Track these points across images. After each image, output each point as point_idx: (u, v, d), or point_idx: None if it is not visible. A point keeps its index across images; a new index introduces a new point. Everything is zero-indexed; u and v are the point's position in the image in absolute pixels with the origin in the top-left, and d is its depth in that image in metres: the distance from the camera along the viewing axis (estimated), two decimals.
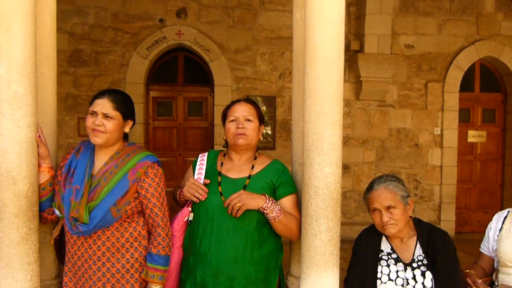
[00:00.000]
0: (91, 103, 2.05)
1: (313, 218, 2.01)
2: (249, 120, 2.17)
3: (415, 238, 2.18)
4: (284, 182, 2.16)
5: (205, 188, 2.10)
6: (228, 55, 6.56)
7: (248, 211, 2.02)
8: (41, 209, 2.06)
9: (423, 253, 2.13)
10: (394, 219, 2.10)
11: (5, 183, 1.90)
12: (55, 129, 2.25)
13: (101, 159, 2.08)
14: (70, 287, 2.08)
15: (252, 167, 2.19)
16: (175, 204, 2.37)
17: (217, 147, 6.20)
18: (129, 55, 6.39)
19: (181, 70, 6.80)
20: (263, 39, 6.64)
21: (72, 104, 6.34)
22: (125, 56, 6.39)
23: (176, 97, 6.74)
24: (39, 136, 2.02)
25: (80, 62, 6.31)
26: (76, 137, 6.31)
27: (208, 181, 2.16)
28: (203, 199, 2.08)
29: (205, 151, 2.36)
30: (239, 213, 2.00)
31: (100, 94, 2.06)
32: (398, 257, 2.15)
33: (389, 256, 2.17)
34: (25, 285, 1.95)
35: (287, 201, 2.14)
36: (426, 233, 2.17)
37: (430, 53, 6.94)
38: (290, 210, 2.13)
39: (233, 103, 2.27)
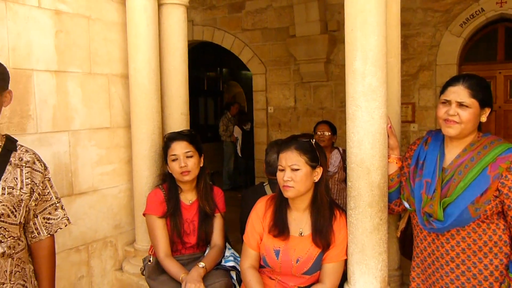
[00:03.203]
0: (442, 91, 1.89)
1: None
2: None
3: None
4: None
5: None
6: None
7: None
8: (388, 200, 2.05)
9: None
10: None
11: (360, 173, 1.96)
12: (399, 119, 2.21)
13: (452, 152, 1.90)
14: (417, 283, 2.01)
15: None
16: None
17: None
18: (440, 35, 5.98)
19: (501, 45, 5.93)
20: None
21: None
22: (435, 36, 6.01)
23: (495, 76, 5.93)
24: (390, 127, 2.00)
25: None
26: None
27: None
28: None
29: None
30: None
31: (454, 81, 1.86)
32: None
33: None
34: (376, 273, 1.99)
35: None
36: None
37: None
38: None
39: None
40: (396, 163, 2.05)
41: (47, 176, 1.84)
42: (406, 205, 1.98)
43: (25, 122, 2.38)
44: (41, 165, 1.82)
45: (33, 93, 2.42)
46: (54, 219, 1.86)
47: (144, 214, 2.47)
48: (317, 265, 2.05)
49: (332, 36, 6.58)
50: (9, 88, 1.72)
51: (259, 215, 2.16)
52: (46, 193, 1.83)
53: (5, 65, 1.71)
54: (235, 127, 8.47)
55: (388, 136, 2.01)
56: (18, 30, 2.34)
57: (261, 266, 2.18)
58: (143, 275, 2.50)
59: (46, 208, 1.83)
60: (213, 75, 11.89)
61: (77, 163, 2.66)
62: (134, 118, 2.81)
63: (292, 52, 6.91)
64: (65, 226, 1.91)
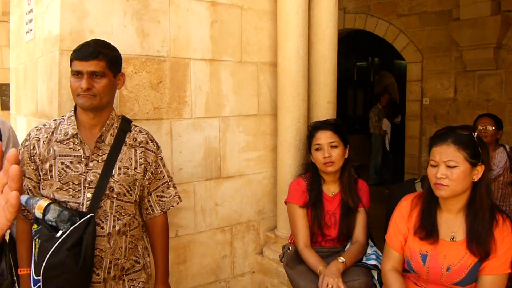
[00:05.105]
0: None
1: None
2: None
3: None
4: None
5: None
6: None
7: None
8: None
9: None
10: None
11: None
12: None
13: None
14: None
15: None
16: None
17: None
18: None
19: None
20: None
21: None
22: None
23: None
24: None
25: None
26: None
27: None
28: None
29: None
30: None
31: None
32: None
33: None
34: None
35: None
36: None
37: None
38: None
39: None
40: None
41: (159, 155, 1.92)
42: None
43: (182, 108, 2.57)
44: (153, 144, 1.90)
45: (190, 80, 2.59)
46: (166, 197, 1.94)
47: (285, 202, 2.47)
48: (473, 276, 1.78)
49: (505, 17, 5.75)
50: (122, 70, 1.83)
51: (404, 214, 1.97)
52: (159, 172, 1.91)
53: (117, 49, 1.81)
54: (383, 120, 8.06)
55: None
56: (179, 22, 2.52)
57: (405, 270, 1.99)
58: (282, 262, 2.51)
59: (159, 187, 1.92)
60: (364, 65, 11.49)
61: (225, 148, 2.79)
62: (281, 106, 2.82)
63: (454, 38, 6.24)
64: (177, 204, 1.98)
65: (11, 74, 3.26)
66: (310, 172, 2.44)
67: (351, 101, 11.02)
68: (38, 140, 1.75)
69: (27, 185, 1.77)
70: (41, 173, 1.73)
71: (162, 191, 1.93)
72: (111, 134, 1.79)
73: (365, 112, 10.31)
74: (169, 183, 1.95)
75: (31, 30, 2.65)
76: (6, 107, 7.35)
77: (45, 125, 1.81)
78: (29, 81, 2.74)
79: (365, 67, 11.57)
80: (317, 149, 2.34)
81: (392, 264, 1.98)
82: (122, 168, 1.77)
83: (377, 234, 2.60)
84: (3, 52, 7.60)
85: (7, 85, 6.51)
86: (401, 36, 7.11)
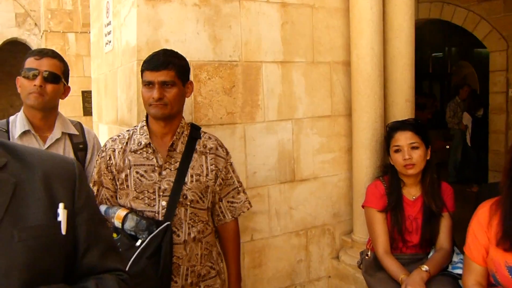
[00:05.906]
0: None
1: None
2: None
3: None
4: None
5: None
6: None
7: None
8: None
9: None
10: None
11: None
12: None
13: None
14: None
15: None
16: None
17: None
18: None
19: None
20: None
21: None
22: None
23: None
24: None
25: None
26: None
27: None
28: None
29: None
30: None
31: None
32: None
33: None
34: None
35: None
36: None
37: None
38: None
39: None
40: None
41: (229, 161, 1.90)
42: None
43: (255, 111, 2.56)
44: (223, 150, 1.89)
45: (262, 84, 2.57)
46: (237, 202, 1.92)
47: (363, 206, 2.38)
48: None
49: None
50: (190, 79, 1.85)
51: (482, 223, 1.77)
52: (229, 178, 1.90)
53: (185, 58, 1.83)
54: (464, 114, 7.55)
55: None
56: (250, 25, 2.51)
57: (492, 285, 1.80)
58: (360, 268, 2.42)
59: (229, 192, 1.90)
60: (440, 55, 10.89)
61: (299, 150, 2.74)
62: (355, 106, 2.72)
63: None
64: (247, 209, 1.95)
65: (93, 84, 3.44)
66: (389, 175, 2.33)
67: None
68: (114, 151, 1.80)
69: (105, 194, 1.83)
70: (117, 183, 1.79)
71: (233, 197, 1.92)
72: (181, 142, 1.81)
73: (442, 105, 9.75)
74: (239, 188, 1.94)
75: (110, 42, 2.78)
76: (88, 113, 7.85)
77: (119, 135, 1.86)
78: (109, 91, 2.88)
79: (441, 58, 10.97)
80: (396, 151, 2.22)
81: (475, 278, 1.80)
82: (194, 175, 1.78)
83: (458, 237, 2.42)
84: (85, 61, 8.12)
85: (89, 92, 6.96)
86: (482, 24, 6.63)
